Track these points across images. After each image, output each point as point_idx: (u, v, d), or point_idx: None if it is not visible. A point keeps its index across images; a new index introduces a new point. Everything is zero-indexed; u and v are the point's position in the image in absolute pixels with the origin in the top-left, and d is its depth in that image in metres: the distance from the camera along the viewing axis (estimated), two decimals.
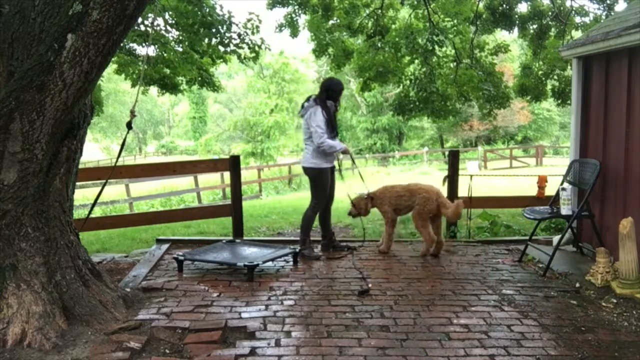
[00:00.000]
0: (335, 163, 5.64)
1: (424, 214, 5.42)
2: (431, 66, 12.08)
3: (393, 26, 12.85)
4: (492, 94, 11.96)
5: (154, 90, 12.23)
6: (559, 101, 12.72)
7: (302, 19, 13.13)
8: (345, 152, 5.50)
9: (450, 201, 5.65)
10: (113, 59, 8.28)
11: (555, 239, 5.64)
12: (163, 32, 10.14)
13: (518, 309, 4.00)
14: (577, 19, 12.35)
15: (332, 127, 5.37)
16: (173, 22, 10.04)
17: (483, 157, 29.18)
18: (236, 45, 10.39)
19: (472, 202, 6.67)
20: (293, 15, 12.94)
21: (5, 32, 3.42)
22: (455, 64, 12.43)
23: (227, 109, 53.54)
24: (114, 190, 17.01)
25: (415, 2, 12.55)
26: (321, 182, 5.43)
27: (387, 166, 29.85)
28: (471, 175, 6.76)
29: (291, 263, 5.22)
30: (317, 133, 5.23)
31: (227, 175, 15.34)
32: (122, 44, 7.53)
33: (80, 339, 3.34)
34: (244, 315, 3.84)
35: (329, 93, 5.41)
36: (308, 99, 5.47)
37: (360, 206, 5.68)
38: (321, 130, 5.23)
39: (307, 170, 5.47)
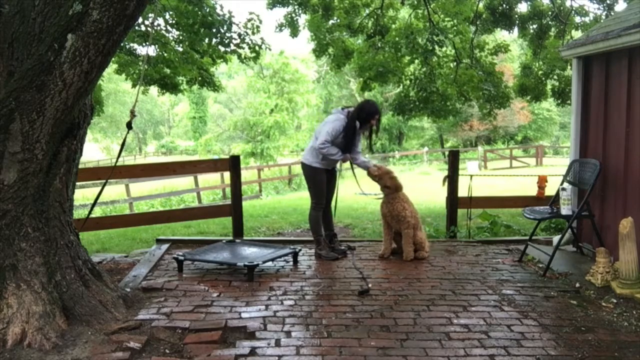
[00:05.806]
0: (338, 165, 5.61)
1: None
2: (431, 66, 12.06)
3: (393, 26, 12.84)
4: (492, 94, 11.95)
5: (154, 90, 12.21)
6: (559, 101, 12.70)
7: (302, 19, 13.14)
8: (345, 160, 5.41)
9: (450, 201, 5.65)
10: (113, 59, 8.28)
11: (555, 239, 5.64)
12: (163, 32, 10.14)
13: (518, 309, 4.00)
14: (577, 19, 12.34)
15: (346, 145, 5.30)
16: (173, 22, 10.04)
17: (483, 157, 29.18)
18: (236, 45, 10.40)
19: (472, 202, 6.67)
20: (293, 15, 12.93)
21: (5, 32, 3.42)
22: (455, 64, 12.41)
23: (227, 109, 53.51)
24: (114, 190, 17.01)
25: (415, 2, 12.53)
26: (314, 180, 5.42)
27: (386, 166, 29.81)
28: (471, 175, 6.76)
29: (291, 263, 5.22)
30: (322, 137, 5.20)
31: (227, 175, 15.33)
32: (122, 44, 7.53)
33: (80, 339, 3.34)
34: (244, 315, 3.84)
35: (360, 113, 5.31)
36: (343, 108, 5.44)
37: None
38: (329, 138, 5.18)
39: (302, 166, 5.50)
